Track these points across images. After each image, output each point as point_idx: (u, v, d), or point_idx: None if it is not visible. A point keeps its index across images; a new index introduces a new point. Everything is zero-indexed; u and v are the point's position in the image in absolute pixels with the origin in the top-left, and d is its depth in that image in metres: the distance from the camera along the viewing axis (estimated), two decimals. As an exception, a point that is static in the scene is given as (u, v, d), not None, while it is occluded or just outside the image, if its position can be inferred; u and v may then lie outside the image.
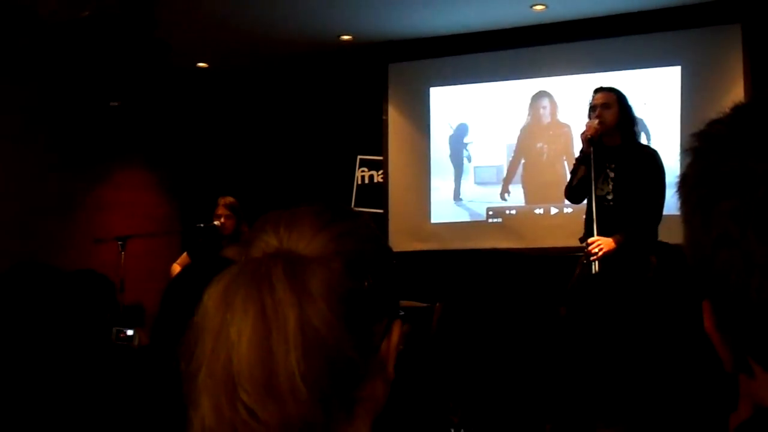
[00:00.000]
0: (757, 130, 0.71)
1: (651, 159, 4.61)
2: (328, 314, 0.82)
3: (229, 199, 6.15)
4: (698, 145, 0.76)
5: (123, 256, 6.49)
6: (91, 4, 5.83)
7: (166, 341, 1.77)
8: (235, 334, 0.81)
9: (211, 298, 0.85)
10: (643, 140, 6.46)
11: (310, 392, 0.80)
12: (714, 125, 0.76)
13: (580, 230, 4.72)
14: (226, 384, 0.81)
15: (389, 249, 1.02)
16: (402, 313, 0.98)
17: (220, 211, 6.08)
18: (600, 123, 4.57)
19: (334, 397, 0.82)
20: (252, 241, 0.93)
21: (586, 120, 4.67)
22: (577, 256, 4.70)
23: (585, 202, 4.72)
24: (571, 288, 4.57)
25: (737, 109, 0.76)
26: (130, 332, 3.85)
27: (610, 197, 4.57)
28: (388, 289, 0.95)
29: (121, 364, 2.29)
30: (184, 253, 6.40)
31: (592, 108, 4.65)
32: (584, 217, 4.71)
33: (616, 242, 4.40)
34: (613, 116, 4.59)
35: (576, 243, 4.75)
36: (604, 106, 4.61)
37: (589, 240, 4.45)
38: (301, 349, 0.80)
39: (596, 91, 4.73)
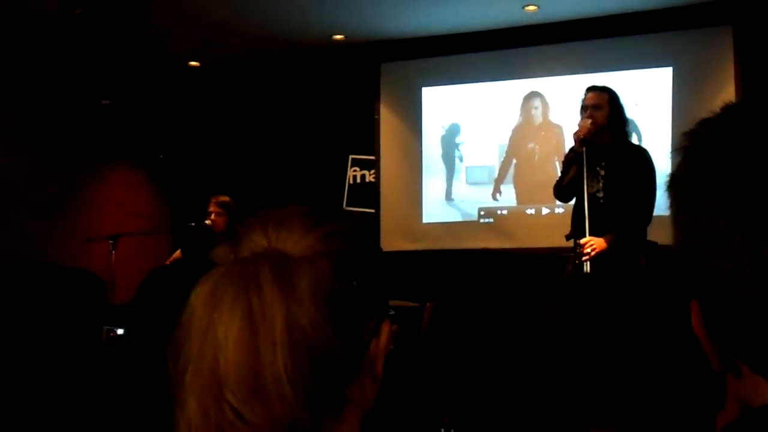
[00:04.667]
0: (747, 129, 0.71)
1: (641, 158, 4.62)
2: (316, 315, 0.82)
3: (221, 198, 6.16)
4: (688, 144, 0.76)
5: (114, 254, 6.48)
6: (84, 3, 5.81)
7: (141, 338, 1.77)
8: (222, 334, 0.81)
9: (199, 297, 0.84)
10: (635, 141, 6.48)
11: (297, 393, 0.80)
12: (704, 125, 0.76)
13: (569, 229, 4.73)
14: (213, 385, 0.80)
15: (379, 249, 1.02)
16: (392, 312, 0.98)
17: (211, 208, 6.10)
18: (593, 123, 4.57)
19: (322, 397, 0.82)
20: (240, 241, 0.93)
21: (579, 119, 4.67)
22: (568, 256, 4.70)
23: (573, 201, 4.72)
24: (561, 288, 4.57)
25: (727, 108, 0.76)
26: (120, 331, 3.84)
27: (600, 195, 4.58)
28: (377, 289, 0.95)
29: (110, 363, 2.28)
30: (178, 251, 6.40)
31: (584, 108, 4.65)
32: (572, 215, 4.72)
33: (607, 242, 4.41)
34: (604, 117, 4.59)
35: (567, 243, 4.75)
36: (595, 107, 4.61)
37: (582, 240, 4.45)
38: (288, 350, 0.80)
39: (588, 90, 4.72)
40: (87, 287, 2.52)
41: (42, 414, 1.95)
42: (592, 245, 4.40)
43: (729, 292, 0.69)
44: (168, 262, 5.95)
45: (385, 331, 0.95)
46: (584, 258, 4.40)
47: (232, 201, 6.18)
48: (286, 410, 0.79)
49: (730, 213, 0.68)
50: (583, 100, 4.69)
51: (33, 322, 2.15)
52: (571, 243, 4.69)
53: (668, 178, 0.78)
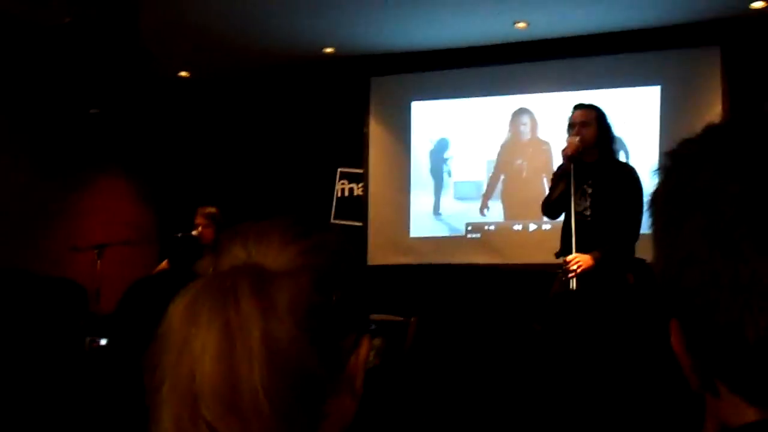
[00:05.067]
0: (727, 150, 0.71)
1: (629, 175, 4.63)
2: (294, 329, 0.81)
3: (208, 209, 6.13)
4: (669, 164, 0.76)
5: (100, 264, 6.45)
6: (73, 11, 5.81)
7: (122, 349, 1.76)
8: (198, 348, 0.80)
9: (177, 310, 0.83)
10: (622, 159, 6.50)
11: (274, 408, 0.79)
12: (685, 145, 0.76)
13: (558, 246, 4.73)
14: (188, 399, 0.79)
15: (359, 263, 1.01)
16: (372, 327, 0.97)
17: (198, 220, 6.08)
18: (581, 140, 4.58)
19: (299, 413, 0.81)
20: (220, 254, 0.92)
21: (566, 137, 4.68)
22: (555, 272, 4.70)
23: (562, 218, 4.72)
24: (548, 304, 4.56)
25: (708, 129, 0.76)
26: (103, 341, 3.81)
27: (587, 213, 4.58)
28: (357, 303, 0.94)
29: (93, 373, 2.27)
30: (165, 261, 6.36)
31: (571, 125, 4.66)
32: (561, 232, 4.73)
33: (594, 259, 4.41)
34: (592, 134, 4.60)
35: (554, 259, 4.75)
36: (583, 124, 4.62)
37: (568, 258, 4.45)
38: (265, 365, 0.79)
39: (576, 108, 4.73)
40: (69, 296, 2.50)
41: (24, 423, 1.94)
42: (578, 262, 4.40)
43: (707, 312, 0.69)
44: (154, 273, 5.93)
45: (365, 346, 0.94)
46: (570, 275, 4.40)
47: (219, 212, 6.16)
48: (263, 426, 0.78)
49: (708, 233, 0.68)
50: (571, 118, 4.70)
51: (14, 330, 2.13)
52: (560, 260, 4.69)
53: (649, 198, 0.78)
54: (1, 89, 7.09)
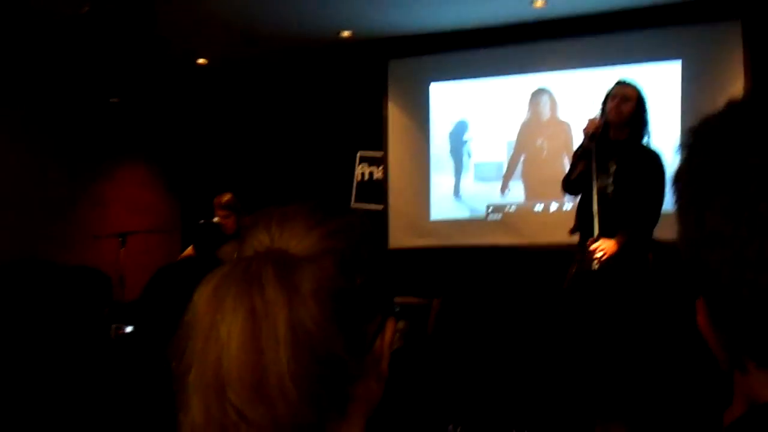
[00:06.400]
0: (749, 126, 0.71)
1: (653, 158, 4.58)
2: (319, 314, 0.81)
3: (224, 198, 6.07)
4: (692, 141, 0.76)
5: (123, 252, 6.49)
6: (91, 1, 5.83)
7: (148, 335, 1.77)
8: (225, 334, 0.80)
9: (202, 297, 0.84)
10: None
11: (300, 392, 0.79)
12: (707, 122, 0.76)
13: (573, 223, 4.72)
14: (216, 384, 0.80)
15: (382, 246, 1.01)
16: (397, 309, 0.98)
17: (218, 212, 6.03)
18: (601, 118, 4.55)
19: (325, 396, 0.81)
20: (244, 240, 0.93)
21: (589, 115, 4.65)
22: (575, 253, 4.68)
23: (580, 195, 4.70)
24: (568, 285, 4.55)
25: (731, 105, 0.76)
26: (129, 329, 3.85)
27: (609, 190, 4.55)
28: (381, 286, 0.94)
29: (118, 361, 2.29)
30: (190, 247, 6.37)
31: (611, 97, 4.60)
32: (577, 209, 4.71)
33: (618, 244, 4.37)
34: (629, 111, 4.56)
35: (576, 239, 4.72)
36: (624, 98, 4.57)
37: (592, 247, 4.39)
38: (291, 350, 0.79)
39: (619, 82, 4.68)
40: (93, 284, 2.52)
41: (49, 411, 1.96)
42: (602, 250, 4.36)
43: (733, 289, 0.69)
44: (179, 259, 5.94)
45: (390, 328, 0.94)
46: (594, 264, 4.35)
47: (234, 197, 6.11)
48: (289, 410, 0.79)
49: (733, 210, 0.68)
50: (611, 90, 4.64)
51: (39, 319, 2.15)
52: (575, 237, 4.66)
53: (672, 175, 0.77)
54: (21, 81, 7.14)
